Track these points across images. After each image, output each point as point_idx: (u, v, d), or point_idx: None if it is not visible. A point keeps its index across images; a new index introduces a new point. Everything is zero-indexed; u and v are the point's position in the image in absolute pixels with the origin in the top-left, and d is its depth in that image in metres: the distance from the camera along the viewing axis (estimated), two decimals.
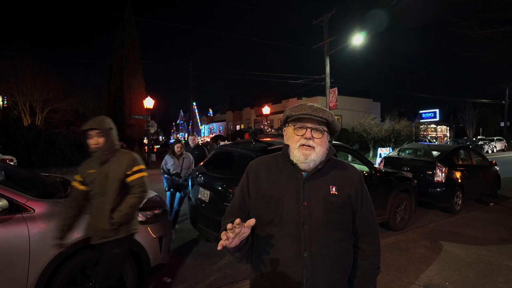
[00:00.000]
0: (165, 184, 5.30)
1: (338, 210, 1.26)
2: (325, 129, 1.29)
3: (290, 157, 1.28)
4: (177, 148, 5.19)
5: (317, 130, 1.27)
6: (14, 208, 2.41)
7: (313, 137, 1.26)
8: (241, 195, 1.38)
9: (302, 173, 1.27)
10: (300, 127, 1.27)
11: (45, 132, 14.70)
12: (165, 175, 5.21)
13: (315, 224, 1.22)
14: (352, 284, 1.34)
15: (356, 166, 5.28)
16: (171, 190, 5.24)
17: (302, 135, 1.26)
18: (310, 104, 1.30)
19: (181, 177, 5.12)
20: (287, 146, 1.32)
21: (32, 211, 2.45)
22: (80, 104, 30.89)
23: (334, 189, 1.27)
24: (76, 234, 2.53)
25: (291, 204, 1.24)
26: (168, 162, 5.23)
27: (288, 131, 1.33)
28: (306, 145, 1.25)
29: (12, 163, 9.85)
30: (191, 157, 5.41)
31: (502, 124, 38.82)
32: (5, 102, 24.63)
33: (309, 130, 1.26)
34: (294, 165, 1.28)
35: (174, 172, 5.12)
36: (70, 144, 14.35)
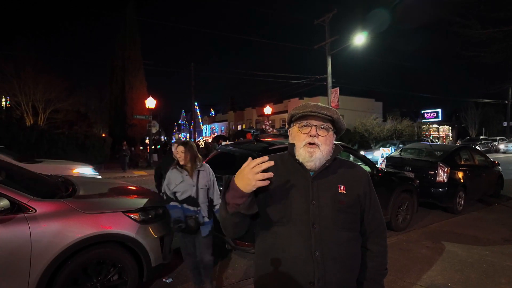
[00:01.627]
0: (172, 219, 2.95)
1: (347, 209, 1.25)
2: (330, 126, 1.28)
3: (296, 156, 1.28)
4: (176, 153, 3.03)
5: (322, 127, 1.26)
6: (16, 208, 2.41)
7: (318, 135, 1.25)
8: None
9: (310, 172, 1.27)
10: (305, 125, 1.27)
11: (48, 132, 14.75)
12: (172, 203, 2.98)
13: (325, 223, 1.21)
14: (361, 285, 1.33)
15: None
16: (184, 229, 2.93)
17: (308, 133, 1.25)
18: (314, 103, 1.30)
19: (198, 205, 2.95)
20: (292, 145, 1.31)
21: (34, 211, 2.45)
22: (82, 104, 30.98)
23: (342, 188, 1.27)
24: (78, 234, 2.54)
25: (300, 202, 1.23)
26: (172, 180, 3.01)
27: (293, 130, 1.32)
28: (311, 143, 1.24)
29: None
30: (210, 170, 3.18)
31: (505, 124, 38.64)
32: (8, 102, 24.76)
33: (314, 127, 1.25)
34: (300, 164, 1.27)
35: (183, 197, 2.94)
36: (73, 144, 14.41)
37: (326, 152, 1.26)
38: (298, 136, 1.28)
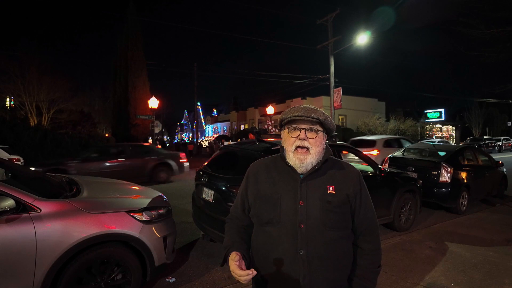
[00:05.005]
0: None
1: (335, 209, 1.28)
2: (319, 128, 1.31)
3: (287, 160, 1.32)
4: None
5: (311, 130, 1.30)
6: (21, 208, 2.43)
7: (307, 138, 1.29)
8: (241, 198, 1.44)
9: (300, 174, 1.31)
10: (294, 129, 1.31)
11: (52, 132, 14.87)
12: None
13: (313, 223, 1.25)
14: (351, 282, 1.35)
15: (361, 166, 5.26)
16: None
17: (297, 137, 1.29)
18: (303, 106, 1.33)
19: None
20: (283, 148, 1.36)
21: (39, 211, 2.48)
22: (85, 104, 31.15)
23: (331, 188, 1.30)
24: (82, 234, 2.56)
25: (289, 204, 1.28)
26: None
27: (284, 133, 1.37)
28: (301, 147, 1.28)
29: (19, 163, 9.95)
30: None
31: (509, 123, 38.39)
32: (12, 102, 24.92)
33: (303, 131, 1.29)
34: (290, 166, 1.31)
35: None
36: (76, 144, 14.50)
37: (317, 154, 1.30)
38: (288, 140, 1.32)
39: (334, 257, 1.27)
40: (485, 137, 34.08)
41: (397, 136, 15.41)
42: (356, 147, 6.39)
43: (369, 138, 12.94)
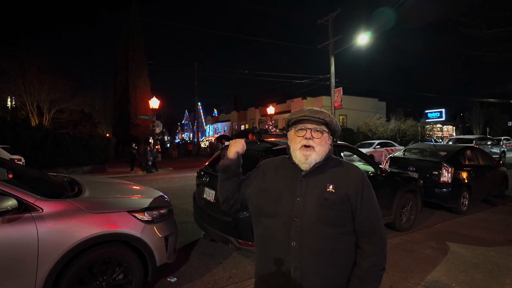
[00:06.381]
0: None
1: (333, 206, 1.30)
2: (325, 129, 1.37)
3: (292, 158, 1.38)
4: None
5: (316, 130, 1.36)
6: (23, 208, 2.44)
7: (313, 137, 1.35)
8: (246, 177, 1.57)
9: (302, 172, 1.37)
10: (300, 129, 1.37)
11: (53, 132, 14.83)
12: None
13: (309, 218, 1.29)
14: (349, 283, 1.33)
15: (362, 166, 5.26)
16: None
17: (303, 136, 1.36)
18: (309, 107, 1.40)
19: None
20: (289, 147, 1.43)
21: (41, 211, 2.48)
22: (86, 104, 31.13)
23: (331, 187, 1.33)
24: (83, 234, 2.56)
25: (288, 199, 1.34)
26: None
27: (290, 133, 1.43)
28: (306, 145, 1.34)
29: (20, 163, 9.96)
30: None
31: (510, 123, 38.34)
32: (13, 102, 24.94)
33: (309, 131, 1.36)
34: (294, 164, 1.38)
35: None
36: (77, 144, 14.49)
37: (321, 153, 1.35)
38: (295, 139, 1.39)
39: (328, 252, 1.27)
40: (486, 136, 34.03)
41: (483, 136, 22.09)
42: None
43: (466, 137, 18.07)
